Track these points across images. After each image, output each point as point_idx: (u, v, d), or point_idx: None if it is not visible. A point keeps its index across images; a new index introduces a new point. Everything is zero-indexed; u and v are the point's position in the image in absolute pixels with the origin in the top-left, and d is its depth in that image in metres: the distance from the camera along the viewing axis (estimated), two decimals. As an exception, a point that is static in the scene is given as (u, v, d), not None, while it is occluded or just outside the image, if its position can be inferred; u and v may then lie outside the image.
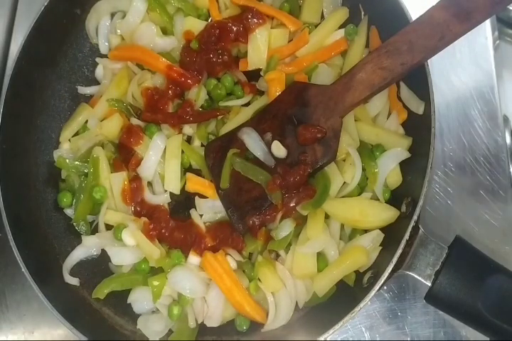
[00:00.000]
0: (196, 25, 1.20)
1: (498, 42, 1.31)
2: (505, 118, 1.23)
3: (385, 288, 1.11)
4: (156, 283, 1.06)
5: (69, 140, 1.20)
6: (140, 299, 1.09)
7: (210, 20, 1.23)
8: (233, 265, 1.07)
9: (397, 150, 1.05)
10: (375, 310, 1.11)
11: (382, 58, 0.96)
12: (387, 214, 1.01)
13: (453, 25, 0.91)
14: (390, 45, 0.96)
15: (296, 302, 1.06)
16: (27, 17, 1.23)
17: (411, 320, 1.10)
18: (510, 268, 0.92)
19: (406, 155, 1.04)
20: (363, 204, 1.04)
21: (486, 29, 1.25)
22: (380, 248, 1.01)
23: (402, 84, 1.09)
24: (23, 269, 1.02)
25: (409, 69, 0.96)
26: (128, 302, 1.09)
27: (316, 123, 1.01)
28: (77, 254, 1.13)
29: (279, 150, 1.03)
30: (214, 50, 1.18)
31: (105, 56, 1.25)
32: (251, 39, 1.16)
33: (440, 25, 0.92)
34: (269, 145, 1.04)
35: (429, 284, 0.93)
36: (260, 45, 1.16)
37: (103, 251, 1.12)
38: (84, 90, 1.24)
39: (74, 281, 1.10)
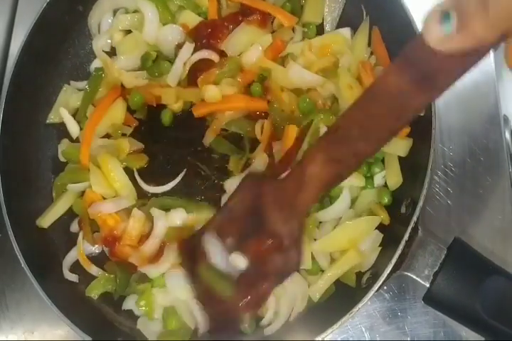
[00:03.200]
0: (192, 19, 1.19)
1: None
2: (505, 118, 1.23)
3: (385, 288, 1.11)
4: (142, 303, 1.06)
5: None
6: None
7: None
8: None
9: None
10: (375, 310, 1.11)
11: (331, 146, 0.74)
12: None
13: (413, 95, 0.65)
14: (339, 130, 0.74)
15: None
16: (28, 14, 1.22)
17: (411, 320, 1.10)
18: (509, 269, 0.92)
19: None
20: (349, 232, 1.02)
21: (486, 29, 1.25)
22: (380, 248, 1.01)
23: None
24: (23, 264, 1.02)
25: (365, 159, 0.77)
26: (123, 309, 1.09)
27: (271, 228, 0.79)
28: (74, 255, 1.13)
29: (237, 262, 0.82)
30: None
31: (107, 53, 1.24)
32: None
33: (395, 97, 0.66)
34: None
35: (428, 285, 0.93)
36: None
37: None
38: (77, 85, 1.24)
39: (73, 278, 1.11)
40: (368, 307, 1.11)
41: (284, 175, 0.82)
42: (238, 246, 0.81)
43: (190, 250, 0.90)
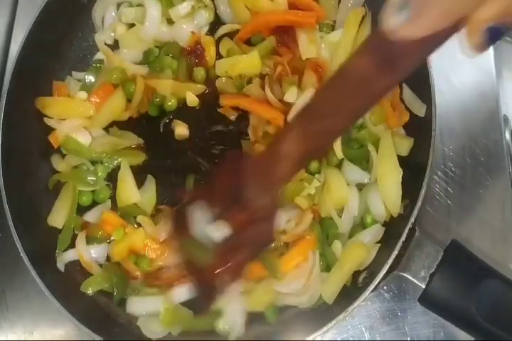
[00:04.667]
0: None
1: (498, 42, 1.30)
2: (505, 118, 1.23)
3: (385, 288, 1.11)
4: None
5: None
6: (138, 309, 1.08)
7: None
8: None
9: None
10: (375, 310, 1.11)
11: (304, 124, 0.76)
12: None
13: (378, 77, 0.68)
14: (311, 108, 0.77)
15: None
16: (28, 14, 1.22)
17: (411, 320, 1.10)
18: (509, 268, 0.92)
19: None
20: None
21: (486, 29, 1.25)
22: (379, 245, 1.01)
23: (404, 86, 1.09)
24: (22, 253, 1.03)
25: (336, 137, 0.83)
26: (127, 312, 1.09)
27: (248, 201, 0.83)
28: (72, 256, 1.12)
29: (221, 229, 0.84)
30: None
31: (110, 46, 1.25)
32: None
33: (362, 79, 0.69)
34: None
35: (423, 286, 0.93)
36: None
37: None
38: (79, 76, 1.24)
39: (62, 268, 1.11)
40: (368, 307, 1.11)
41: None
42: (220, 216, 0.85)
43: (178, 219, 0.92)
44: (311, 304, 1.04)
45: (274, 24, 1.15)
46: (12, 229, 1.05)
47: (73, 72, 1.24)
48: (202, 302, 0.92)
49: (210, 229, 0.85)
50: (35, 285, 1.01)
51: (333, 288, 1.01)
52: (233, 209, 0.84)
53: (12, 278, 1.19)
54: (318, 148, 0.79)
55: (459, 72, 1.23)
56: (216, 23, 1.24)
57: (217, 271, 0.85)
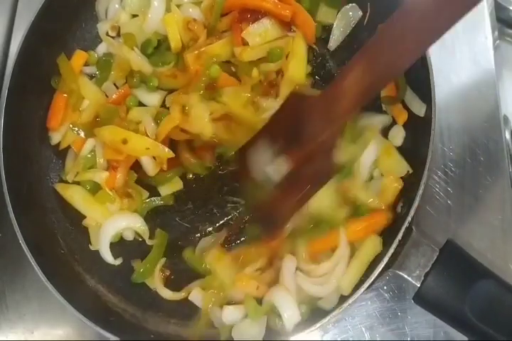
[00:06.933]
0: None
1: (498, 42, 1.30)
2: (505, 118, 1.23)
3: (385, 287, 1.11)
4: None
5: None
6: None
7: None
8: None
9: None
10: (375, 310, 1.11)
11: (370, 58, 0.79)
12: None
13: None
14: (377, 42, 0.79)
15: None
16: (28, 13, 1.21)
17: (411, 320, 1.10)
18: (509, 268, 0.92)
19: None
20: None
21: (485, 29, 1.25)
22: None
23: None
24: (21, 240, 1.03)
25: (400, 69, 0.80)
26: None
27: (310, 139, 0.87)
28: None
29: (282, 165, 0.91)
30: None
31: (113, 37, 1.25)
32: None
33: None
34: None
35: (418, 285, 0.94)
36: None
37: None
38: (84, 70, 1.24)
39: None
40: (368, 307, 1.11)
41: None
42: (280, 152, 0.90)
43: (241, 161, 0.99)
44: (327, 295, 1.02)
45: (249, 7, 1.16)
46: (11, 215, 1.05)
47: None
48: (270, 233, 1.01)
49: (271, 168, 0.91)
50: (36, 285, 1.02)
51: (353, 279, 1.00)
52: (293, 147, 0.88)
53: (12, 278, 1.20)
54: (381, 80, 0.81)
55: (459, 72, 1.23)
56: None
57: (281, 204, 0.92)
